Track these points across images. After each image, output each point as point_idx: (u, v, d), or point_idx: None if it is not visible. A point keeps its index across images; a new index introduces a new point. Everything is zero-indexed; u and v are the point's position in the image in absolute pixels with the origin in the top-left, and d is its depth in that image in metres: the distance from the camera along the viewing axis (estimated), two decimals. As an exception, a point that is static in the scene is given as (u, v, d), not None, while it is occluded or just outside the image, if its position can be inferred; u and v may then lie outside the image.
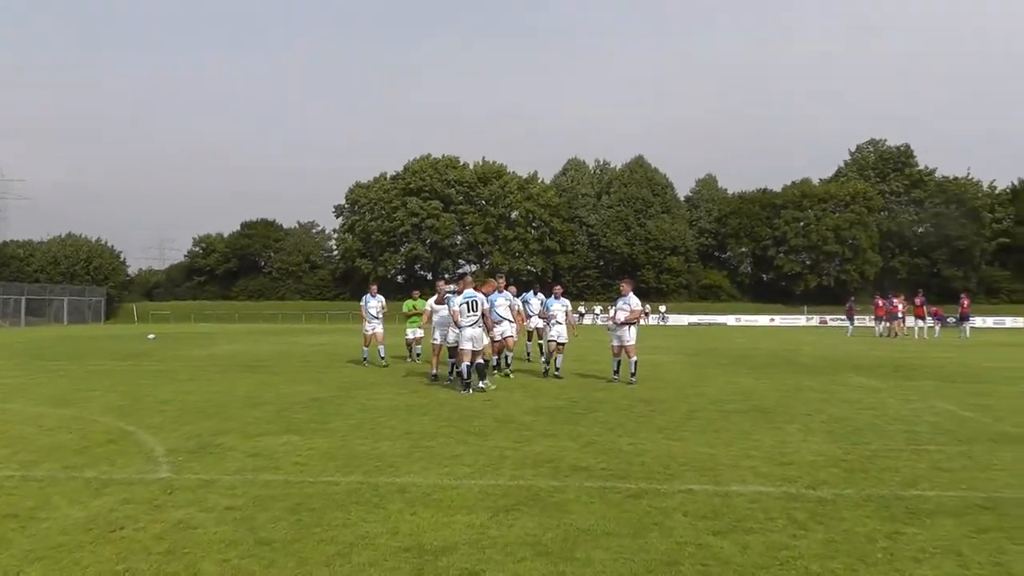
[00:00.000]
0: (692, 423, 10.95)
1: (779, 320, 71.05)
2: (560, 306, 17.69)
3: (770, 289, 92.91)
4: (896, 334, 40.43)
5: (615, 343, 16.35)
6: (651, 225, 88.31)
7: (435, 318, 17.11)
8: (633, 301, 16.26)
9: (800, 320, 71.67)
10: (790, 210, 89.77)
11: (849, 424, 11.00)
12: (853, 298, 51.07)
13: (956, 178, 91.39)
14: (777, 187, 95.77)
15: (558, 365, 17.21)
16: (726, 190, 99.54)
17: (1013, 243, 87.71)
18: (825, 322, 70.42)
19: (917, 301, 41.58)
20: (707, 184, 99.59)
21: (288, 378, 17.24)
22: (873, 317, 45.55)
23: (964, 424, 11.08)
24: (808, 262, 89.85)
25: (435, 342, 16.89)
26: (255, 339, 37.34)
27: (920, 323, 41.22)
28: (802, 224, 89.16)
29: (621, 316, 16.21)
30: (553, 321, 17.52)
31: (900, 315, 41.06)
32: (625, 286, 16.59)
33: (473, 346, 14.47)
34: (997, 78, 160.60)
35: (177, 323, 72.30)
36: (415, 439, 9.51)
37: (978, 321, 47.86)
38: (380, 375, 17.88)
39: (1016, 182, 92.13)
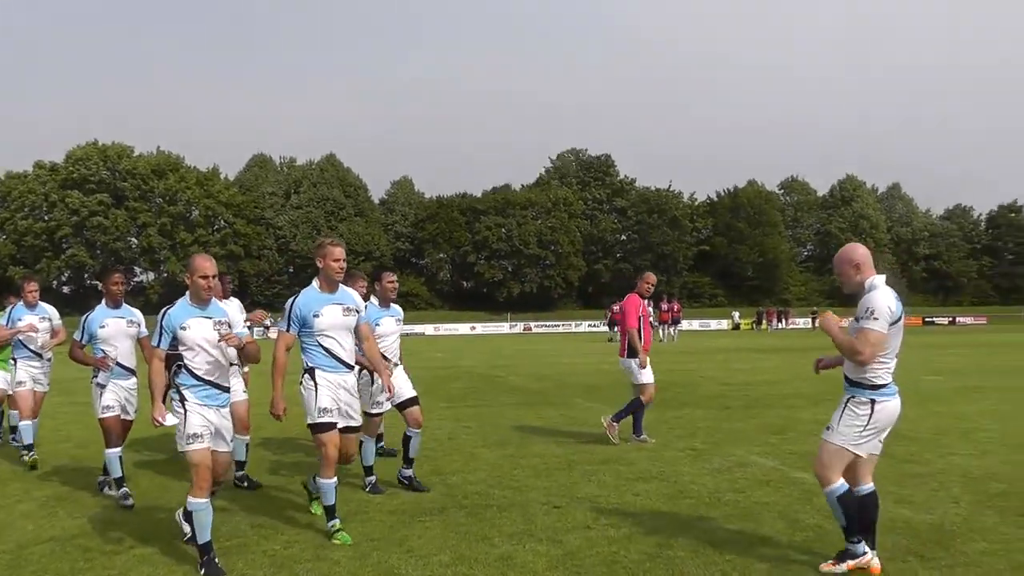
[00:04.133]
0: None
1: (480, 328, 66.46)
2: (392, 320, 7.91)
3: (472, 296, 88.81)
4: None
5: None
6: (343, 228, 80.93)
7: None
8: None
9: (503, 327, 67.51)
10: (491, 215, 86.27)
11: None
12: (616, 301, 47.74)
13: (658, 189, 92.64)
14: (477, 192, 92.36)
15: (412, 454, 7.65)
16: (423, 194, 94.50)
17: (712, 251, 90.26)
18: (529, 329, 66.81)
19: (664, 307, 41.59)
20: (403, 187, 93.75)
21: None
22: (606, 322, 45.75)
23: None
24: (511, 268, 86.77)
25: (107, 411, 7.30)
26: None
27: (668, 328, 41.67)
28: (504, 230, 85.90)
29: None
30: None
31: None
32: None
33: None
34: (690, 95, 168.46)
35: None
36: None
37: (685, 324, 45.99)
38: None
39: (714, 195, 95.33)
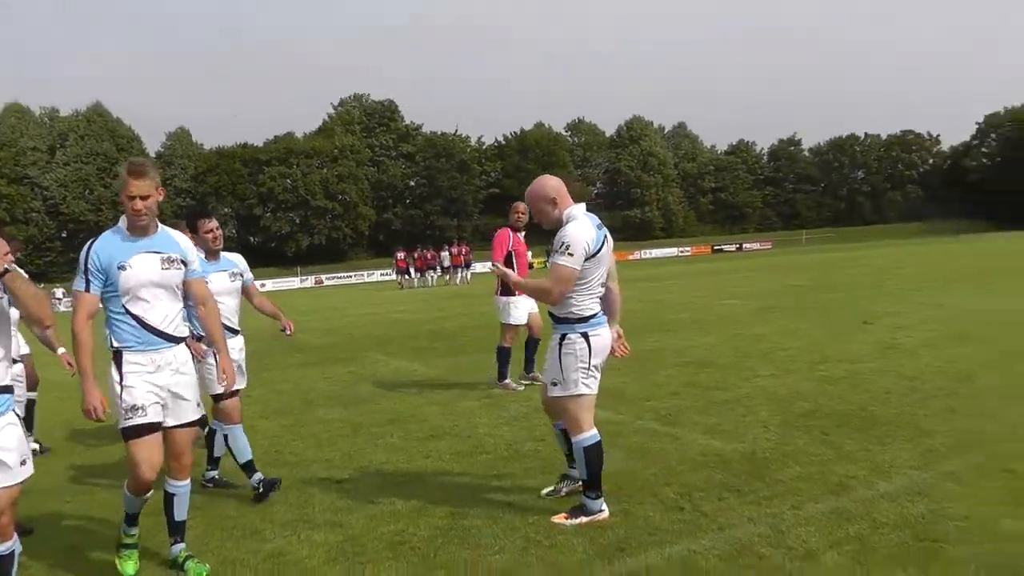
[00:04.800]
0: None
1: (271, 284, 63.82)
2: (225, 276, 6.18)
3: (260, 252, 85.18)
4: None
5: None
6: (118, 186, 74.78)
7: None
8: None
9: (294, 282, 65.25)
10: (275, 166, 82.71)
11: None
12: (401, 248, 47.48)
13: (444, 133, 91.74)
14: (259, 142, 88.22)
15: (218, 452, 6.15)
16: (202, 145, 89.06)
17: (502, 193, 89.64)
18: (321, 282, 65.00)
19: (453, 251, 42.53)
20: (180, 138, 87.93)
21: None
22: (394, 270, 44.80)
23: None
24: (298, 220, 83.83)
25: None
26: None
27: (462, 272, 42.08)
28: (289, 180, 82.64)
29: None
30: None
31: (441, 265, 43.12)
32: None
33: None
34: (474, 43, 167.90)
35: None
36: None
37: (478, 267, 46.11)
38: None
39: (502, 138, 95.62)
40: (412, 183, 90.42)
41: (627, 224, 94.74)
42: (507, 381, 9.21)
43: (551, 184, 4.77)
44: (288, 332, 6.44)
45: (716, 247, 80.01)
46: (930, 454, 5.55)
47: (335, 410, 8.65)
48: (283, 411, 8.88)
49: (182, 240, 4.52)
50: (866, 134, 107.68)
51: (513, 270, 8.40)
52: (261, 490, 5.59)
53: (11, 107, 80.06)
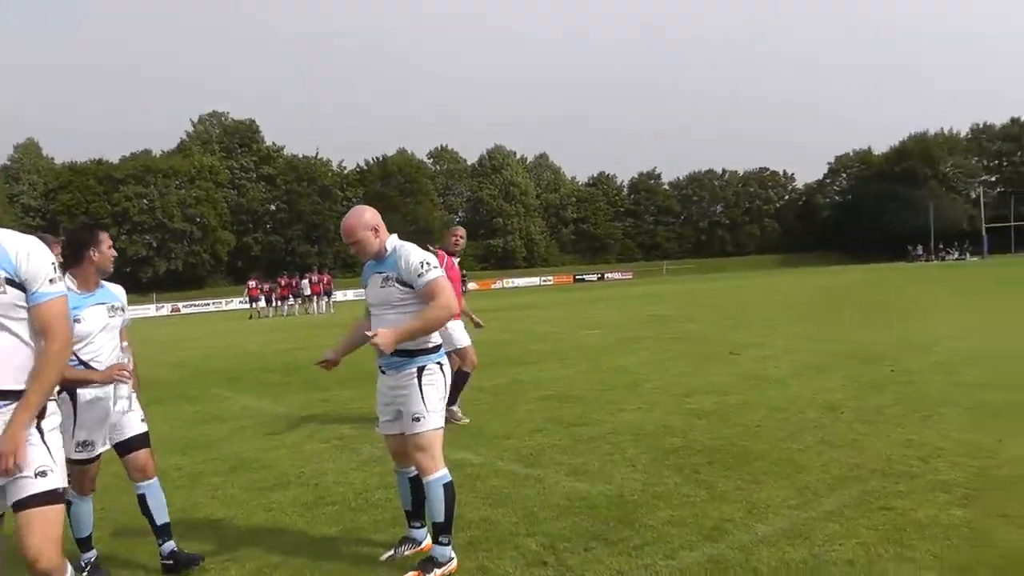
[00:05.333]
0: None
1: (129, 314, 60.56)
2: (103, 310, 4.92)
3: (114, 277, 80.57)
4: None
5: None
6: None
7: None
8: None
9: (151, 310, 62.18)
10: (131, 184, 79.05)
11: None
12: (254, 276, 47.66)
13: (306, 157, 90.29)
14: (115, 158, 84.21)
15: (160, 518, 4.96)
16: (53, 159, 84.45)
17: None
18: (178, 310, 62.29)
19: (313, 279, 41.43)
20: (29, 151, 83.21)
21: None
22: (247, 298, 43.49)
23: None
24: (155, 244, 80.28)
25: None
26: None
27: (323, 301, 41.05)
28: (146, 200, 79.13)
29: None
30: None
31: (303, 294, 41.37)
32: None
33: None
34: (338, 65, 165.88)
35: None
36: None
37: (340, 295, 45.24)
38: None
39: (364, 163, 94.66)
40: (273, 207, 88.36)
41: (489, 253, 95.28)
42: (455, 408, 8.43)
43: (371, 214, 4.50)
44: None
45: (578, 276, 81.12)
46: (807, 491, 5.31)
47: (173, 457, 7.72)
48: (114, 459, 7.97)
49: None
50: (724, 170, 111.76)
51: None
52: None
53: None
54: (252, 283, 42.89)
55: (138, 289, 74.42)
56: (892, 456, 6.06)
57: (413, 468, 4.54)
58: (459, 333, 8.48)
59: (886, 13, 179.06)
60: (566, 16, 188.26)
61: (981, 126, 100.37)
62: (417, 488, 4.57)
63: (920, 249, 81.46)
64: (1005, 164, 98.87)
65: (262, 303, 41.72)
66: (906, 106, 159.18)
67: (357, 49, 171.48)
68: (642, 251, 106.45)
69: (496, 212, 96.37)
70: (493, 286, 73.24)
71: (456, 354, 8.37)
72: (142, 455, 4.91)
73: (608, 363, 12.46)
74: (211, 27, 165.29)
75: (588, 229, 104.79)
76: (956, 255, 79.14)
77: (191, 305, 64.14)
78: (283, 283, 42.03)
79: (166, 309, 62.60)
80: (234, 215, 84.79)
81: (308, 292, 41.45)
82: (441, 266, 8.41)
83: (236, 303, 61.78)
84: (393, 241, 4.53)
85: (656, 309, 25.05)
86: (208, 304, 64.79)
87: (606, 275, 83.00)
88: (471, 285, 69.34)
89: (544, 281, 79.08)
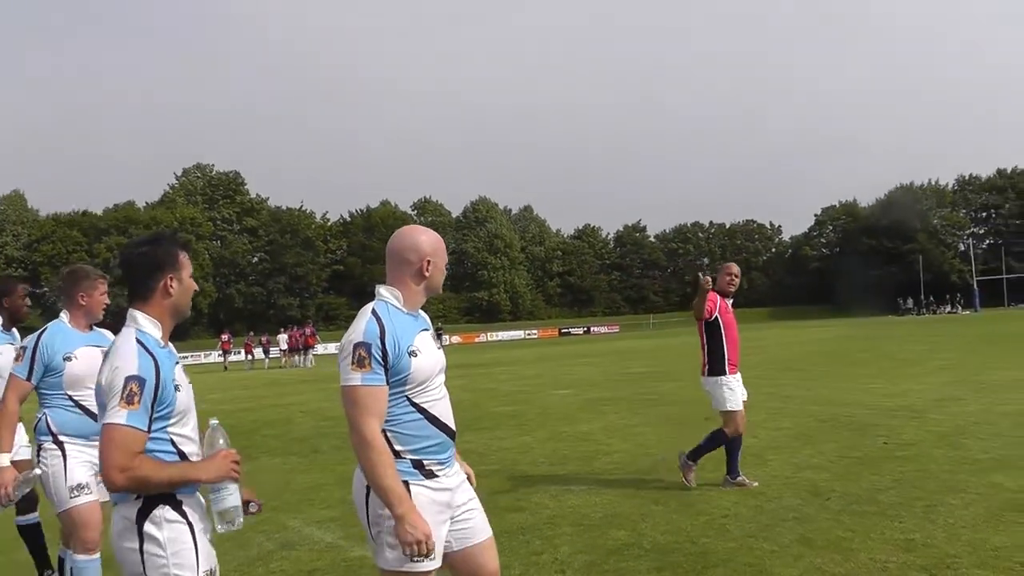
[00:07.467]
0: None
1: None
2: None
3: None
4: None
5: None
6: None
7: None
8: None
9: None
10: (114, 235, 77.99)
11: None
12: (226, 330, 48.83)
13: (290, 208, 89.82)
14: (99, 209, 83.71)
15: None
16: (38, 211, 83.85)
17: (345, 271, 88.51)
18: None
19: (308, 331, 41.35)
20: (13, 202, 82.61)
21: None
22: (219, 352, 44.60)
23: None
24: (135, 295, 78.84)
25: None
26: None
27: (304, 355, 40.33)
28: (126, 252, 77.83)
29: None
30: None
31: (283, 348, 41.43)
32: None
33: None
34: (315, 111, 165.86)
35: None
36: None
37: (320, 348, 44.63)
38: None
39: (347, 215, 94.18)
40: (255, 259, 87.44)
41: (474, 306, 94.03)
42: (741, 477, 7.19)
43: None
44: None
45: (563, 330, 79.87)
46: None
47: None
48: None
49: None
50: (711, 222, 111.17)
51: (722, 339, 7.37)
52: None
53: None
54: (225, 336, 44.02)
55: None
56: (889, 565, 4.80)
57: None
58: (734, 393, 7.25)
59: (877, 59, 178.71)
60: (554, 82, 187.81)
61: (967, 177, 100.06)
62: None
63: (911, 302, 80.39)
64: (993, 216, 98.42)
65: (232, 356, 42.88)
66: (891, 159, 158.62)
67: (344, 100, 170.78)
68: (628, 304, 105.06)
69: (481, 264, 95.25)
70: (477, 339, 71.96)
71: (723, 417, 7.21)
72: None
73: (569, 429, 11.24)
74: (197, 79, 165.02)
75: (574, 282, 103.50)
76: (948, 308, 78.02)
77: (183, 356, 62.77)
78: (264, 339, 43.39)
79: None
80: (216, 267, 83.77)
81: (284, 346, 41.20)
82: (714, 310, 7.27)
83: (214, 356, 60.61)
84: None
85: (635, 366, 23.83)
86: (187, 357, 63.31)
87: (592, 328, 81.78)
88: (455, 339, 68.32)
89: (529, 334, 77.83)
